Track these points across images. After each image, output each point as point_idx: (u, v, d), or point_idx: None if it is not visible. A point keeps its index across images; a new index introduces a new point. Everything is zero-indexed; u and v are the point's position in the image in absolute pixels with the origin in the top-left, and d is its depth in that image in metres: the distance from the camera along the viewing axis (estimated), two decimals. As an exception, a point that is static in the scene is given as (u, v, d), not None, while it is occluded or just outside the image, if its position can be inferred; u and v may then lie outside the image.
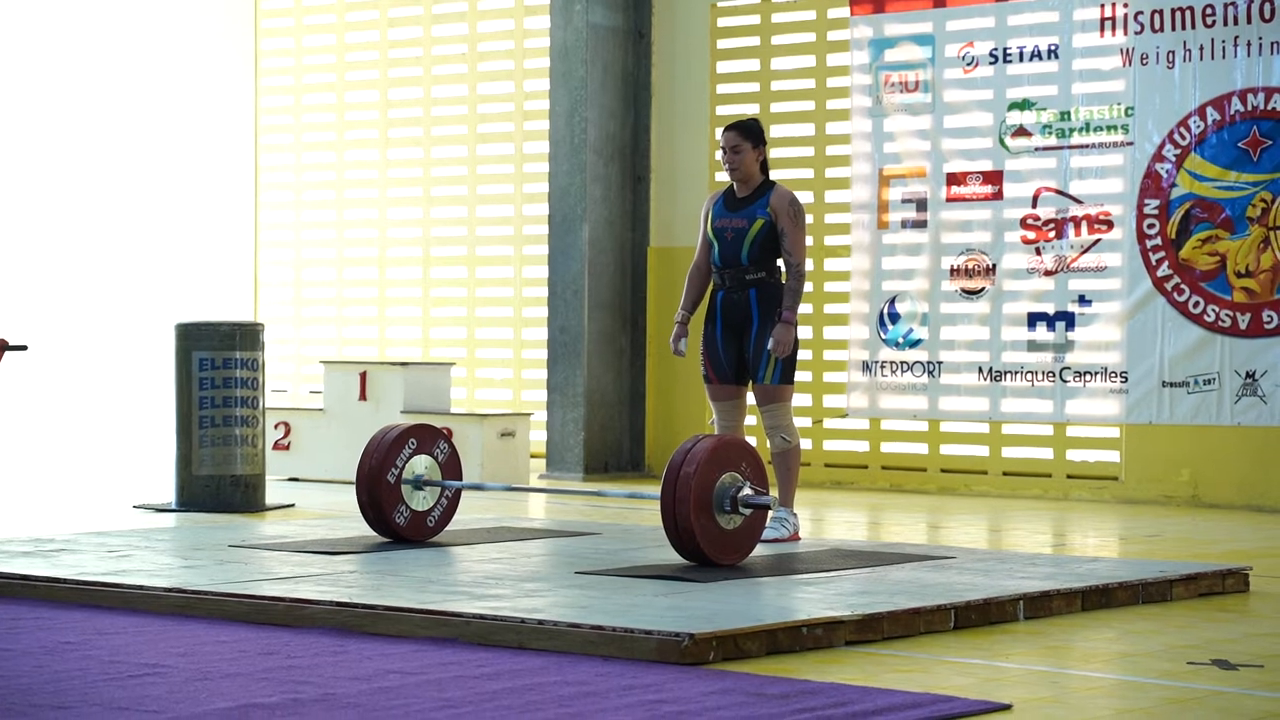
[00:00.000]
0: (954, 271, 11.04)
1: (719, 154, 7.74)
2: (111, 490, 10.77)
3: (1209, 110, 10.20)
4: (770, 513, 7.18)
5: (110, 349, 15.00)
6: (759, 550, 7.01)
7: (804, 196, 12.14)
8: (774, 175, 12.21)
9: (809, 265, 8.25)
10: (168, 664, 4.86)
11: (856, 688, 4.57)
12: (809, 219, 12.07)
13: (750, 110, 12.31)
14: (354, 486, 7.62)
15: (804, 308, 12.13)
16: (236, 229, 14.79)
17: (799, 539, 7.68)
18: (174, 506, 9.61)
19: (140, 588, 6.00)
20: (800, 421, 12.16)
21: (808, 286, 12.09)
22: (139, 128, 15.22)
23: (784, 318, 7.58)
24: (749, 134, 7.67)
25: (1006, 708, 4.34)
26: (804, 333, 12.15)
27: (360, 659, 4.96)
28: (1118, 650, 5.42)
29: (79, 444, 14.41)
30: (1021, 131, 10.79)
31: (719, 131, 7.75)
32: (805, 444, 12.10)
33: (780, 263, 7.68)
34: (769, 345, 7.55)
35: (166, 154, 15.20)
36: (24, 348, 9.37)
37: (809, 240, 8.20)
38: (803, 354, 12.15)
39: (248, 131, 14.73)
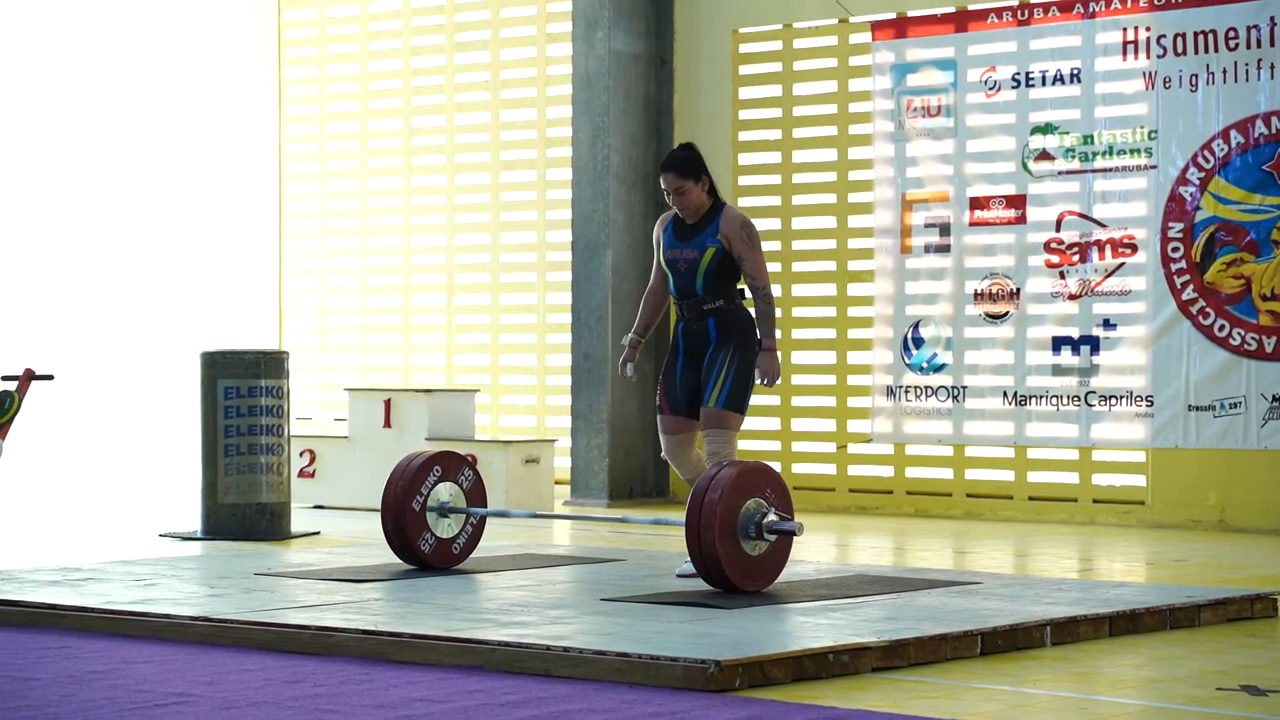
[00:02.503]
0: (978, 296, 11.03)
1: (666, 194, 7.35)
2: (137, 518, 10.79)
3: (1232, 133, 10.18)
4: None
5: (136, 378, 15.04)
6: (781, 577, 6.99)
7: (826, 222, 12.14)
8: (798, 200, 12.28)
9: (777, 289, 8.08)
10: (195, 693, 4.86)
11: (884, 715, 4.56)
12: (831, 243, 12.10)
13: (772, 136, 12.32)
14: (379, 514, 7.63)
15: (827, 333, 12.13)
16: (261, 257, 14.83)
17: None
18: (199, 535, 9.63)
19: (167, 616, 6.01)
20: (824, 447, 12.14)
21: (829, 311, 12.14)
22: (164, 157, 15.28)
23: (764, 345, 7.30)
24: (688, 171, 7.28)
25: (1034, 734, 4.32)
26: (826, 358, 12.14)
27: (386, 687, 4.96)
28: (1146, 676, 5.39)
29: (105, 472, 14.44)
30: (1044, 155, 10.79)
31: (663, 176, 7.22)
32: (829, 470, 12.07)
33: (741, 287, 7.39)
34: (757, 377, 7.29)
35: (192, 183, 15.26)
36: (51, 377, 9.41)
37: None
38: (825, 379, 12.15)
39: (272, 160, 14.78)
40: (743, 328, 7.34)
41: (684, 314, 7.41)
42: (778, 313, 12.27)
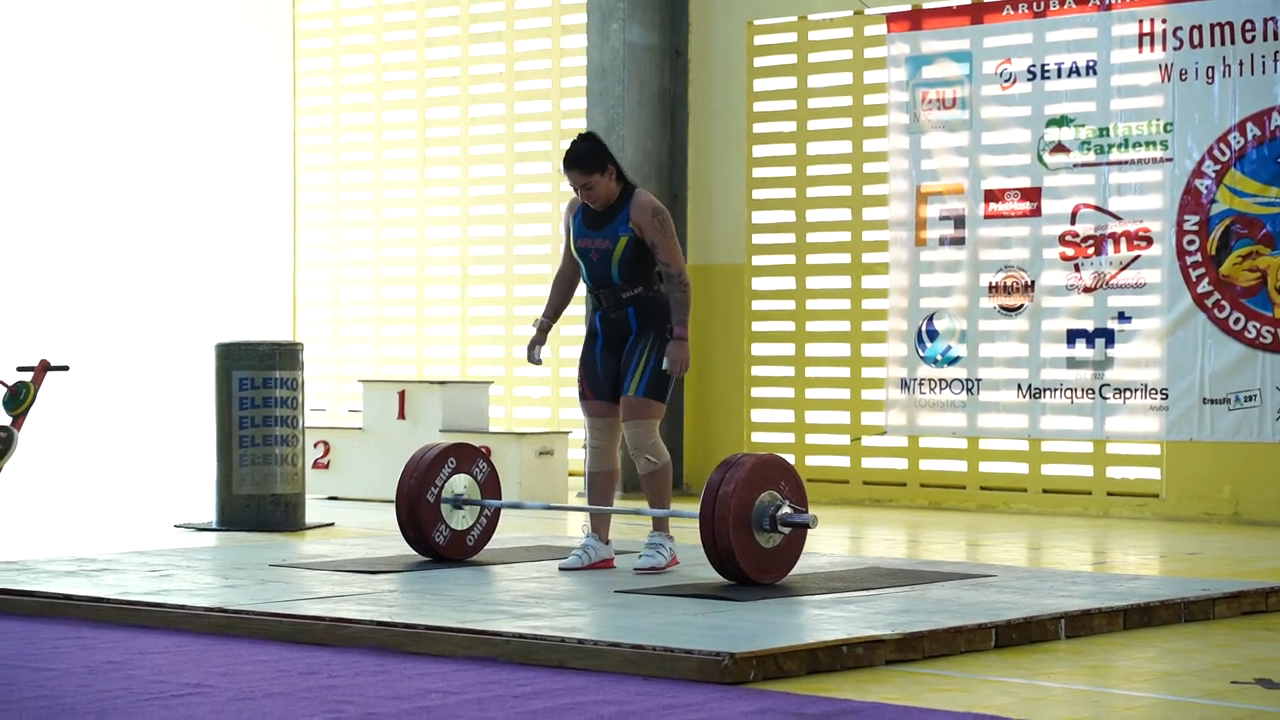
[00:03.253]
0: (992, 288, 11.01)
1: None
2: (152, 509, 10.82)
3: (1249, 126, 10.16)
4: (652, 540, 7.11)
5: (151, 369, 15.07)
6: (794, 569, 6.99)
7: (841, 214, 12.13)
8: (812, 193, 12.27)
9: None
10: (210, 684, 4.87)
11: (898, 707, 4.56)
12: (846, 235, 12.09)
13: (787, 129, 12.31)
14: (393, 505, 7.63)
15: (841, 325, 12.13)
16: (276, 248, 14.85)
17: (677, 564, 7.23)
18: (214, 525, 9.65)
19: (182, 607, 6.02)
20: (838, 439, 12.14)
21: (843, 303, 12.13)
22: (180, 150, 15.30)
23: (676, 334, 7.13)
24: (592, 164, 7.11)
25: (1049, 727, 4.32)
26: (840, 350, 12.13)
27: (402, 678, 4.97)
28: (1160, 669, 5.39)
29: (120, 463, 14.47)
30: (1060, 148, 10.77)
31: (568, 171, 7.12)
32: (843, 462, 12.08)
33: (658, 272, 7.23)
34: (665, 365, 7.11)
35: (207, 176, 15.28)
36: (66, 368, 9.44)
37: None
38: (839, 371, 12.15)
39: (286, 152, 14.80)
40: (663, 315, 7.21)
41: (601, 302, 7.28)
42: (790, 305, 12.33)
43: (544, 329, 7.50)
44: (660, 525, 7.27)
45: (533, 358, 7.51)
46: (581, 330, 12.61)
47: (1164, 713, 4.70)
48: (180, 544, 8.65)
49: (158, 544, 8.62)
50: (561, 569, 7.20)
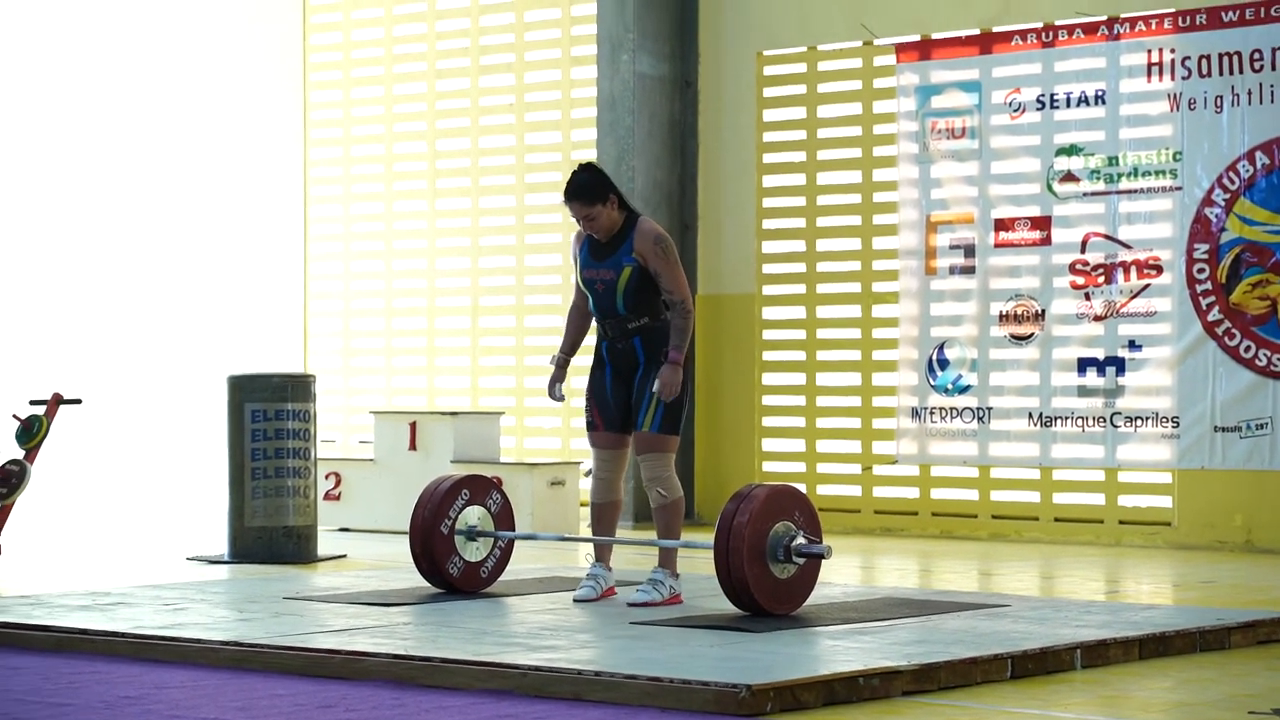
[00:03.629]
0: (1003, 317, 11.03)
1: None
2: (164, 542, 10.82)
3: (1258, 154, 10.18)
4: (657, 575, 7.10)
5: (162, 401, 15.10)
6: (808, 600, 6.98)
7: (851, 243, 12.15)
8: (822, 222, 12.28)
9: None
10: (227, 718, 4.88)
11: (915, 739, 4.56)
12: (856, 265, 12.10)
13: (797, 159, 12.34)
14: (405, 536, 7.63)
15: (852, 354, 12.14)
16: (286, 279, 14.88)
17: (679, 601, 7.12)
18: (227, 558, 9.65)
19: (197, 641, 6.03)
20: (849, 468, 12.14)
21: (854, 332, 12.14)
22: (189, 180, 15.35)
23: (670, 358, 7.07)
24: (593, 195, 7.07)
25: (1067, 759, 4.32)
26: (851, 379, 12.14)
27: (419, 712, 4.97)
28: (1176, 699, 5.38)
29: (132, 496, 14.49)
30: (1069, 177, 10.79)
31: (570, 203, 7.09)
32: (854, 491, 12.07)
33: (664, 301, 7.19)
34: (653, 388, 7.06)
35: (217, 207, 15.32)
36: (79, 401, 9.45)
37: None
38: (850, 400, 12.15)
39: (297, 182, 14.84)
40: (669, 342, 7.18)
41: (607, 332, 7.26)
42: (801, 334, 12.34)
43: (562, 365, 7.50)
44: (665, 561, 7.22)
45: (554, 395, 7.49)
46: (588, 361, 12.65)
47: (1182, 744, 4.69)
48: (193, 577, 8.66)
49: (170, 577, 8.63)
50: (576, 600, 7.19)
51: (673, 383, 7.07)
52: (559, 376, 7.48)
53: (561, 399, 7.52)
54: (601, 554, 7.37)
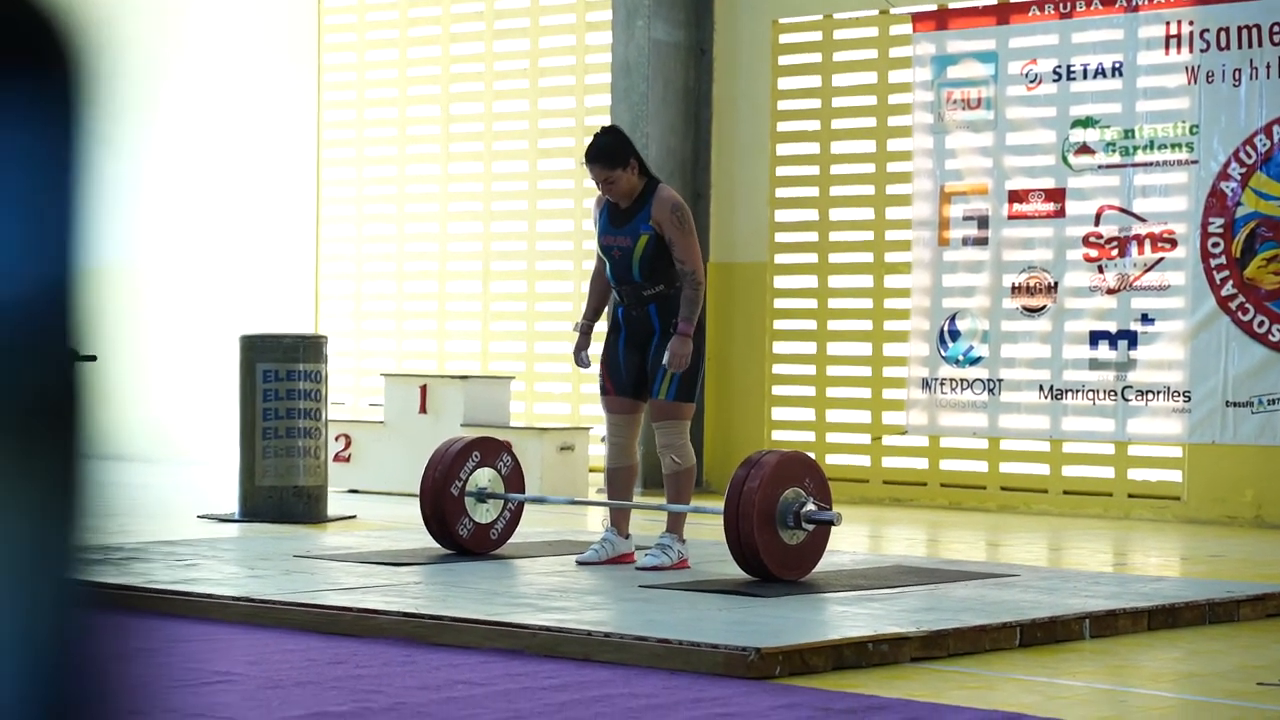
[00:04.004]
0: (1015, 289, 11.01)
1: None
2: (175, 500, 10.85)
3: (1275, 129, 10.15)
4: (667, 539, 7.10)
5: (175, 360, 15.12)
6: (817, 567, 6.99)
7: (864, 213, 12.13)
8: (836, 191, 12.27)
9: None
10: (239, 671, 4.90)
11: (924, 704, 4.57)
12: (869, 235, 12.09)
13: (811, 127, 12.32)
14: (415, 498, 7.65)
15: (863, 324, 12.14)
16: (299, 241, 14.88)
17: (687, 566, 7.12)
18: (237, 517, 9.68)
19: (210, 596, 6.05)
20: (858, 438, 12.15)
21: (865, 302, 12.13)
22: (204, 141, 15.35)
23: (679, 329, 7.04)
24: (613, 158, 7.06)
25: (1076, 725, 4.33)
26: (862, 349, 12.14)
27: (429, 669, 4.99)
28: (1185, 670, 5.40)
29: (144, 454, 14.52)
30: (1085, 149, 10.77)
31: (593, 165, 7.05)
32: (864, 461, 12.08)
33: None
34: (664, 360, 7.06)
35: (231, 168, 15.32)
36: (94, 358, 9.48)
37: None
38: (861, 370, 12.15)
39: (311, 146, 14.83)
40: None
41: (623, 299, 7.26)
42: (813, 304, 12.33)
43: (585, 331, 7.48)
44: (673, 526, 7.24)
45: (580, 361, 7.49)
46: (600, 326, 12.66)
47: (1189, 713, 4.70)
48: (204, 534, 8.68)
49: (182, 534, 8.66)
50: (579, 562, 7.22)
51: (682, 354, 7.06)
52: (583, 343, 7.47)
53: (587, 365, 7.52)
54: (616, 519, 7.38)
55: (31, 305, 0.86)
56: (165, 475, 12.95)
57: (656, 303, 7.19)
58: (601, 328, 7.67)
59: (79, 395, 0.95)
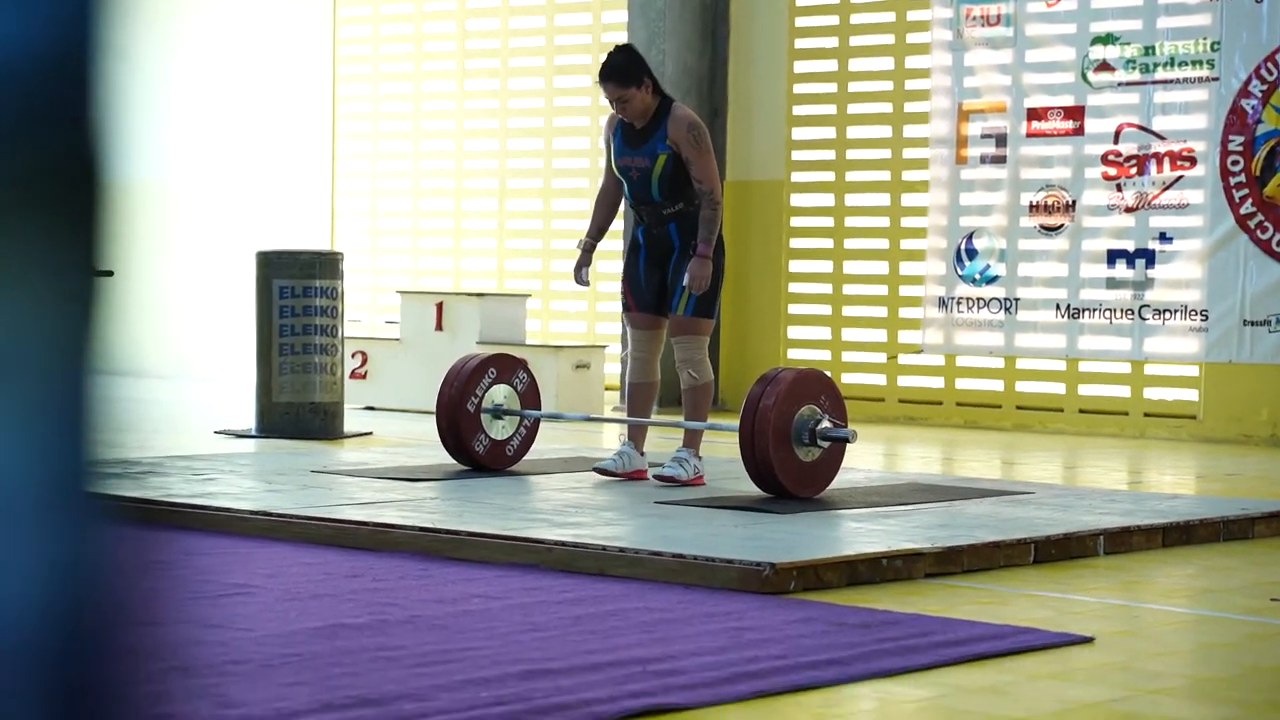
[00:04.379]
0: (1033, 208, 10.97)
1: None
2: (193, 416, 10.89)
3: (1296, 46, 10.06)
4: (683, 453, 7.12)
5: (192, 277, 15.13)
6: (832, 484, 7.01)
7: (882, 131, 12.08)
8: (853, 109, 12.21)
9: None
10: (256, 584, 4.93)
11: (938, 619, 4.59)
12: (886, 153, 12.04)
13: (829, 44, 12.24)
14: (431, 415, 7.67)
15: (880, 243, 12.11)
16: (314, 158, 14.86)
17: (702, 483, 7.13)
18: (254, 432, 9.71)
19: (227, 510, 6.08)
20: (874, 357, 12.15)
21: (882, 221, 12.10)
22: (220, 59, 15.29)
23: (698, 251, 7.05)
24: (628, 77, 7.03)
25: (1089, 640, 4.35)
26: (878, 268, 12.11)
27: (445, 583, 5.02)
28: (1200, 586, 5.41)
29: (162, 369, 14.56)
30: (1104, 66, 10.69)
31: (605, 84, 7.03)
32: (879, 380, 12.09)
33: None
34: (684, 280, 7.08)
35: (247, 85, 15.27)
36: (110, 273, 9.49)
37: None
38: (877, 289, 12.13)
39: (326, 62, 14.78)
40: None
41: (643, 218, 7.26)
42: (828, 221, 12.30)
43: (588, 249, 7.47)
44: (690, 442, 7.25)
45: (580, 279, 7.48)
46: (619, 244, 12.66)
47: (1203, 628, 4.72)
48: (221, 450, 8.72)
49: (199, 450, 8.69)
50: (595, 469, 7.25)
51: (701, 276, 7.07)
52: (585, 261, 7.47)
53: (586, 284, 7.53)
54: (634, 435, 7.40)
55: (55, 72, 0.85)
56: (182, 391, 12.99)
57: (676, 221, 7.19)
58: (611, 245, 7.66)
59: (101, 167, 0.94)
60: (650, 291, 7.30)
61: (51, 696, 0.86)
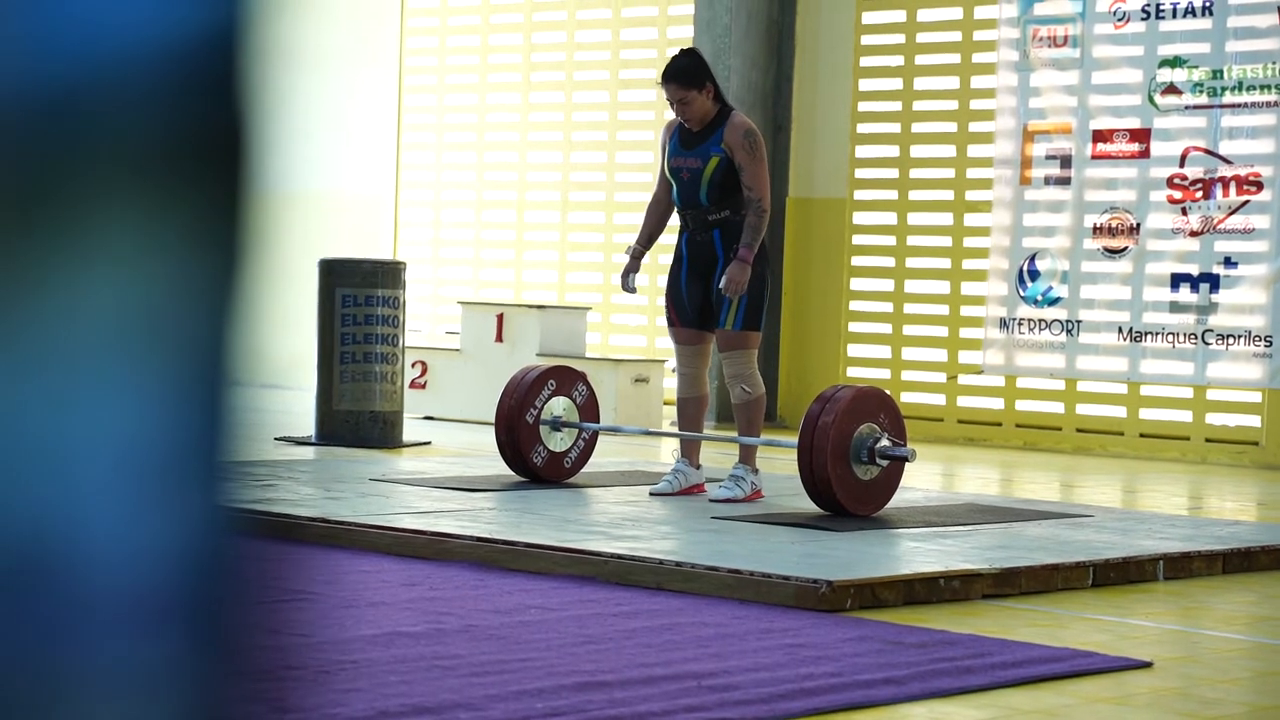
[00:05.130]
0: (1097, 230, 10.92)
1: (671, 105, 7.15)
2: (253, 423, 10.94)
3: (1367, 72, 9.99)
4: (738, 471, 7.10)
5: (255, 284, 15.22)
6: (890, 503, 6.98)
7: (946, 150, 12.05)
8: (918, 128, 12.18)
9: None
10: (315, 590, 4.96)
11: (995, 640, 4.57)
12: (950, 172, 12.00)
13: (894, 63, 12.23)
14: (489, 426, 7.69)
15: (942, 262, 12.07)
16: (379, 168, 14.94)
17: (760, 498, 7.12)
18: (314, 440, 9.76)
19: (287, 516, 6.11)
20: (934, 376, 12.11)
21: (945, 240, 12.06)
22: (285, 65, 15.39)
23: (739, 255, 6.98)
24: (690, 79, 7.01)
25: (1147, 665, 4.32)
26: (940, 288, 12.08)
27: (501, 593, 5.03)
28: (1259, 614, 5.37)
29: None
30: (1171, 89, 10.64)
31: (664, 86, 7.08)
32: (938, 400, 12.04)
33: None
34: (720, 284, 7.02)
35: (313, 92, 15.36)
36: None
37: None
38: (938, 309, 12.09)
39: (392, 73, 14.86)
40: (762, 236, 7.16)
41: (688, 224, 7.23)
42: (889, 240, 12.27)
43: (637, 255, 7.45)
44: (746, 458, 7.22)
45: (627, 286, 7.47)
46: (669, 258, 12.65)
47: (1263, 656, 4.68)
48: (281, 457, 8.77)
49: (259, 456, 8.74)
50: (652, 494, 7.24)
51: (739, 280, 7.01)
52: (633, 268, 7.45)
53: (633, 290, 7.51)
54: (687, 450, 7.40)
55: (202, 48, 0.87)
56: (243, 397, 13.04)
57: (721, 228, 7.14)
58: (666, 259, 7.65)
59: (250, 148, 0.95)
60: (693, 307, 7.26)
61: (191, 642, 0.89)
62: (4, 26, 0.82)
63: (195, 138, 0.89)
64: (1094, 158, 10.92)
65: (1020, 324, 11.17)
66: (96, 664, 0.87)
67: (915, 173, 12.18)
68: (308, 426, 10.26)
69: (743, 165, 7.05)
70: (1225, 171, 10.47)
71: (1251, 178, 10.39)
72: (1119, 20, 10.83)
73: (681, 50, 7.24)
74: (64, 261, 0.86)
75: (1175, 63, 10.64)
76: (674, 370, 7.50)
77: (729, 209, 7.12)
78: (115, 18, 0.85)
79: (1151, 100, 10.70)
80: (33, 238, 0.85)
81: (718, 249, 7.16)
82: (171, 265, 0.88)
